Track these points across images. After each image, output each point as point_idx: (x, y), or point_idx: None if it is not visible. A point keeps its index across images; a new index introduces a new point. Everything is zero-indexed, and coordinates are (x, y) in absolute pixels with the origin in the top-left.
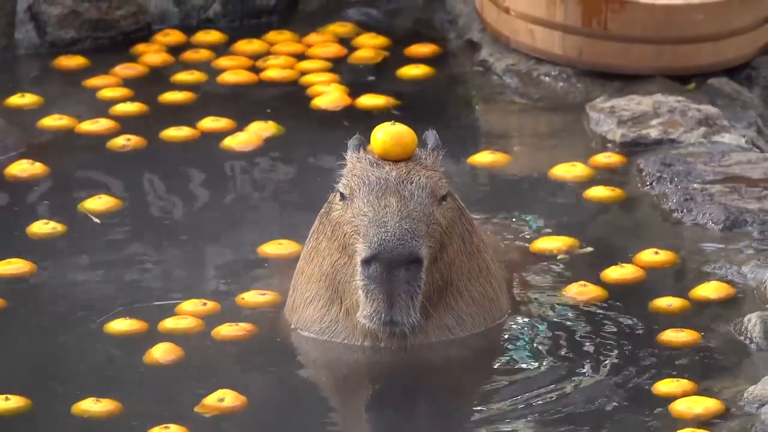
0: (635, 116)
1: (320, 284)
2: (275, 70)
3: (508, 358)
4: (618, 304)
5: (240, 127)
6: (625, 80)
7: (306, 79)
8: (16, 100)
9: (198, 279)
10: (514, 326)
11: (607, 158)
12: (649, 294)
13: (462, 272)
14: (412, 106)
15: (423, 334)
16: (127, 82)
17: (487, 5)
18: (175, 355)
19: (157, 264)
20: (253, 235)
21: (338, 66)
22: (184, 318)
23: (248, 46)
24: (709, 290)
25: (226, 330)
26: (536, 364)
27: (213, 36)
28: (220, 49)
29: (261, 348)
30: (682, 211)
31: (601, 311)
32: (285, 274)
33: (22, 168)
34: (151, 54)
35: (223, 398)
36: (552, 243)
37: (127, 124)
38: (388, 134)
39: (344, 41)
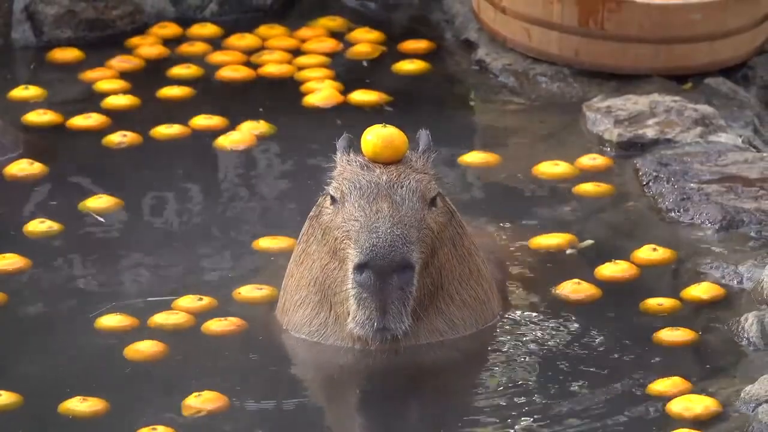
0: (632, 116)
1: (310, 288)
2: (273, 66)
3: (499, 359)
4: (612, 302)
5: (232, 125)
6: (622, 80)
7: (300, 75)
8: (20, 92)
9: (194, 275)
10: (506, 327)
11: (592, 160)
12: (645, 293)
13: (453, 276)
14: (407, 105)
15: (414, 338)
16: (122, 76)
17: (484, 5)
18: (159, 352)
19: (153, 261)
20: (250, 232)
21: (333, 61)
22: (175, 313)
23: (241, 41)
24: (700, 291)
25: (216, 325)
26: (528, 365)
27: (209, 29)
28: (216, 43)
29: (250, 347)
30: (678, 211)
31: (595, 310)
32: (283, 270)
33: (21, 167)
34: (147, 47)
35: (204, 397)
36: (551, 240)
37: (122, 119)
38: (378, 137)
39: (338, 36)
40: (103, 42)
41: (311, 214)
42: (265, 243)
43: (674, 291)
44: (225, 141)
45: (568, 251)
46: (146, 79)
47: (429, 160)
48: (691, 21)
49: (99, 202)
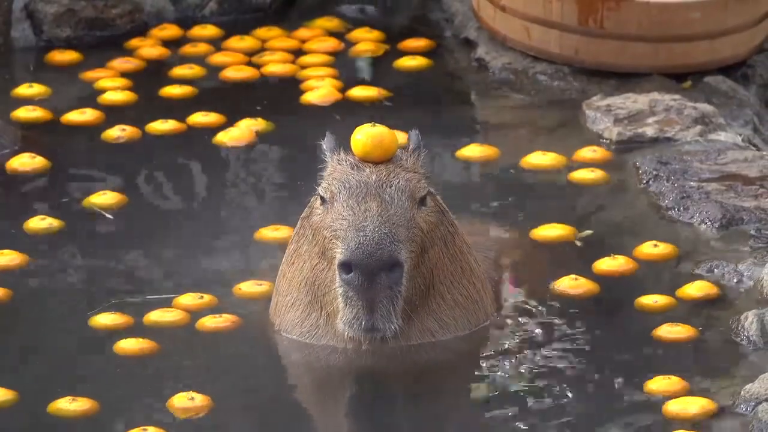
0: (631, 114)
1: (300, 289)
2: (275, 65)
3: (493, 357)
4: (610, 298)
5: (231, 123)
6: (622, 78)
7: (303, 74)
8: (24, 90)
9: (195, 272)
10: (501, 324)
11: (592, 152)
12: (643, 290)
13: (445, 275)
14: (407, 103)
15: (405, 338)
16: (124, 76)
17: (483, 3)
18: (150, 350)
19: (154, 258)
20: (251, 228)
21: (336, 60)
22: (170, 311)
23: (241, 42)
24: (694, 289)
25: (210, 322)
26: (524, 363)
27: (210, 30)
28: (217, 44)
29: (244, 345)
30: (678, 209)
31: (592, 306)
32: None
33: (22, 162)
34: (148, 48)
35: (195, 399)
36: (553, 231)
37: (121, 116)
38: (368, 136)
39: (337, 37)
40: (103, 41)
41: (303, 214)
42: (268, 233)
43: (672, 289)
44: (224, 137)
45: (578, 240)
46: (148, 78)
47: (419, 159)
48: (690, 19)
49: (104, 198)
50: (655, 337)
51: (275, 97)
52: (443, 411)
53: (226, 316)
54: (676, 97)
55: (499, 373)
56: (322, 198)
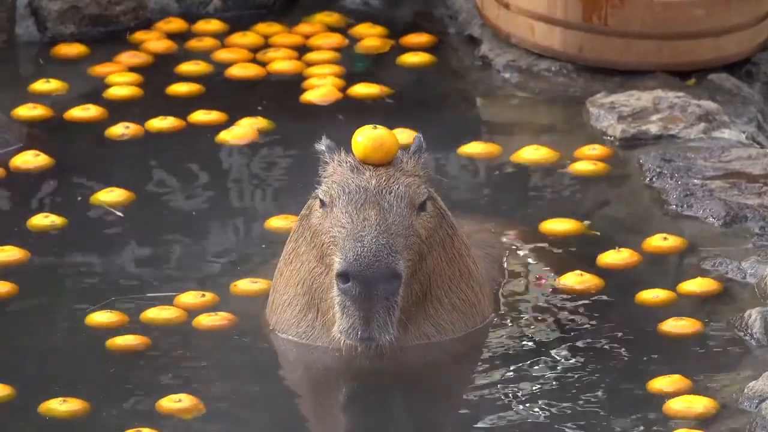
0: (635, 112)
1: (297, 289)
2: (280, 63)
3: (493, 356)
4: (614, 295)
5: (232, 121)
6: (626, 76)
7: (309, 71)
8: (41, 86)
9: (197, 271)
10: (502, 321)
11: (592, 150)
12: (647, 285)
13: (443, 280)
14: (409, 100)
15: (401, 343)
16: (131, 71)
17: (488, 1)
18: (143, 347)
19: (157, 256)
20: (255, 226)
21: (341, 57)
22: (166, 308)
23: (244, 38)
24: (695, 285)
25: (207, 320)
26: (526, 360)
27: (214, 25)
28: (222, 39)
29: (240, 343)
30: (682, 207)
31: (596, 302)
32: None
33: (25, 160)
34: (154, 41)
35: (181, 400)
36: (561, 225)
37: (125, 112)
38: (368, 138)
39: (339, 32)
40: (107, 38)
41: (302, 213)
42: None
43: (675, 285)
44: (227, 136)
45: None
46: (154, 74)
47: (420, 162)
48: (694, 17)
49: (111, 195)
50: (659, 333)
51: (277, 95)
52: (440, 411)
53: (222, 314)
54: (680, 94)
55: (499, 372)
56: (321, 201)
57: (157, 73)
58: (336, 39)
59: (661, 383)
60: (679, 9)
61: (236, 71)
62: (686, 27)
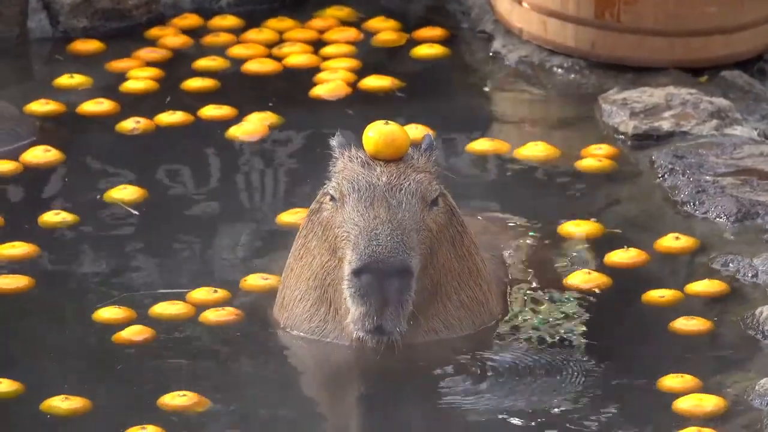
0: (647, 108)
1: (309, 283)
2: (297, 57)
3: (502, 354)
4: (623, 292)
5: (242, 116)
6: (638, 72)
7: (326, 65)
8: (65, 80)
9: (208, 267)
10: (509, 319)
11: (598, 150)
12: (656, 284)
13: (452, 276)
14: (421, 94)
15: (409, 338)
16: (149, 66)
17: None
18: (150, 341)
19: (169, 252)
20: (265, 222)
21: (355, 50)
22: (174, 304)
23: (259, 34)
24: (703, 286)
25: (214, 315)
26: (533, 359)
27: (229, 21)
28: (238, 35)
29: (248, 339)
30: (694, 204)
31: (604, 301)
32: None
33: (35, 155)
34: (171, 37)
35: (185, 395)
36: (578, 227)
37: (141, 107)
38: (380, 134)
39: (350, 26)
40: (120, 32)
41: (312, 207)
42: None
43: (686, 283)
44: (237, 131)
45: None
46: (171, 70)
47: (431, 159)
48: (707, 13)
49: (124, 192)
50: (669, 331)
51: (290, 90)
52: (448, 408)
53: (229, 309)
54: (693, 91)
55: (506, 370)
56: (331, 196)
57: (174, 68)
58: (351, 33)
59: (671, 382)
60: (692, 6)
61: (252, 66)
62: (699, 24)
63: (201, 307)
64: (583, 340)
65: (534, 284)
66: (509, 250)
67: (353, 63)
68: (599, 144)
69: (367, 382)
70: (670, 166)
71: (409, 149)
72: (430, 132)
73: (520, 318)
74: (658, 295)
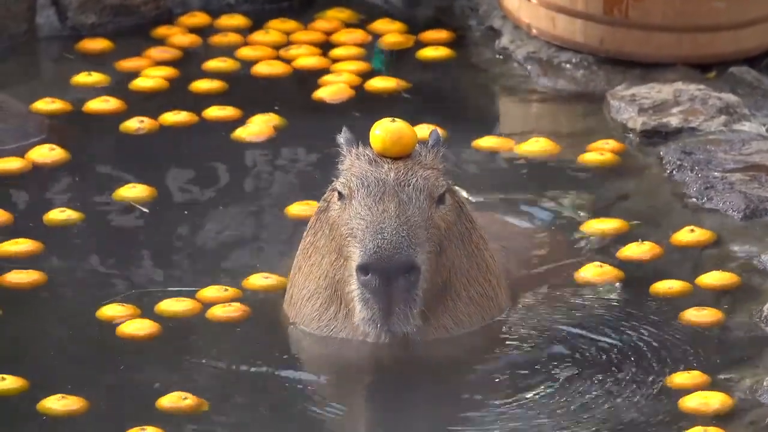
0: (656, 104)
1: (319, 282)
2: (305, 59)
3: (510, 349)
4: (634, 287)
5: (246, 116)
6: (646, 68)
7: (335, 66)
8: (84, 78)
9: (215, 266)
10: (518, 314)
11: (605, 144)
12: (667, 279)
13: (461, 273)
14: (429, 93)
15: (419, 335)
16: (159, 65)
17: None
18: (155, 336)
19: (176, 250)
20: (270, 222)
21: (363, 52)
22: (180, 300)
23: (266, 36)
24: (714, 278)
25: (221, 311)
26: (543, 353)
27: (237, 20)
28: (245, 35)
29: (254, 335)
30: (702, 200)
31: (614, 295)
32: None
33: (41, 153)
34: (179, 35)
35: (186, 398)
36: (605, 224)
37: (150, 108)
38: (387, 131)
39: (353, 27)
40: (128, 29)
41: (319, 206)
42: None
43: (695, 278)
44: (243, 133)
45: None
46: (180, 70)
47: (438, 155)
48: (715, 9)
49: (134, 191)
50: (680, 323)
51: (295, 92)
52: (458, 403)
53: (236, 305)
54: (701, 87)
55: (516, 364)
56: (339, 194)
57: (182, 68)
58: (359, 35)
59: (680, 378)
60: (700, 2)
61: (262, 68)
62: (707, 20)
63: (211, 305)
64: (594, 334)
65: (544, 277)
66: (518, 243)
67: (361, 65)
68: (606, 139)
69: (377, 379)
70: (678, 162)
71: (416, 146)
72: (437, 128)
73: (529, 311)
74: (667, 286)
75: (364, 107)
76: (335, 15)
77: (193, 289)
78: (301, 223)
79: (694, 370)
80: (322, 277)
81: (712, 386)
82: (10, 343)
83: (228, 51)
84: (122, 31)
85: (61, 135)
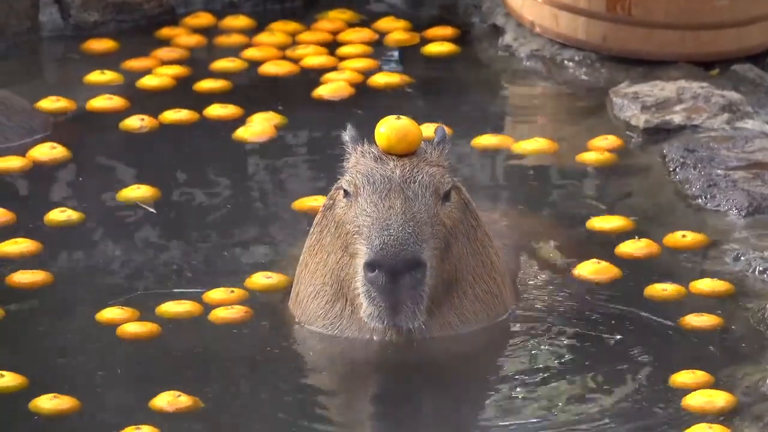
0: (659, 102)
1: (325, 279)
2: (312, 58)
3: (515, 348)
4: (632, 284)
5: (248, 115)
6: (649, 66)
7: (343, 64)
8: (96, 77)
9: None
10: (522, 312)
11: (603, 140)
12: (666, 276)
13: (467, 270)
14: (432, 90)
15: (425, 331)
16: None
17: None
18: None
19: (179, 251)
20: (273, 222)
21: (370, 50)
22: (181, 303)
23: (272, 36)
24: (715, 279)
25: (223, 313)
26: (546, 351)
27: (241, 21)
28: (250, 35)
29: (257, 336)
30: (705, 197)
31: (614, 292)
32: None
33: (43, 152)
34: (185, 36)
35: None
36: (609, 222)
37: (155, 107)
38: (392, 129)
39: (356, 26)
40: (131, 27)
41: (325, 203)
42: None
43: (695, 276)
44: (245, 133)
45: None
46: (187, 70)
47: (444, 152)
48: (718, 7)
49: (138, 192)
50: (680, 325)
51: (299, 91)
52: (463, 401)
53: (238, 307)
54: (704, 84)
55: (519, 363)
56: (345, 191)
57: (189, 68)
58: (366, 34)
59: (682, 377)
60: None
61: (269, 68)
62: (710, 17)
63: (218, 307)
64: (593, 332)
65: (545, 274)
66: (522, 240)
67: (368, 63)
68: (605, 135)
69: (383, 376)
70: (681, 160)
71: (421, 143)
72: (443, 126)
73: (532, 309)
74: (660, 288)
75: (366, 103)
76: (337, 16)
77: (198, 290)
78: (307, 220)
79: (696, 368)
80: (328, 275)
81: (716, 384)
82: (10, 342)
83: (233, 51)
84: (124, 29)
85: (65, 132)
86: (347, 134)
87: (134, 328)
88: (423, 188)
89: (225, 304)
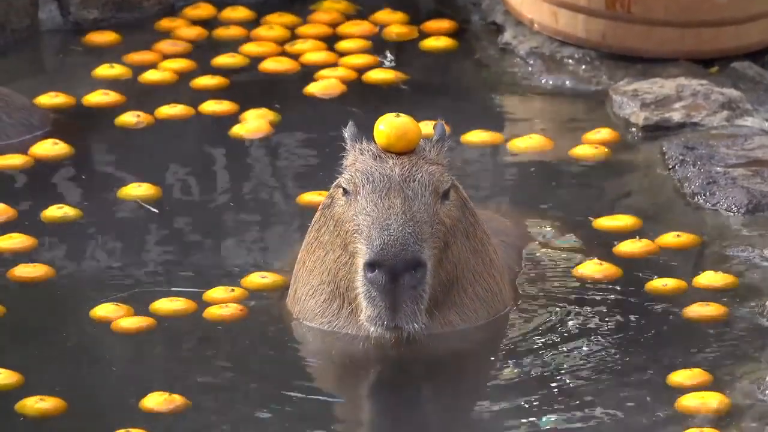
0: (658, 99)
1: (322, 278)
2: (311, 54)
3: (514, 346)
4: (632, 283)
5: (241, 111)
6: (648, 63)
7: (343, 60)
8: (105, 71)
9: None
10: (522, 309)
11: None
12: (666, 275)
13: (467, 269)
14: (431, 87)
15: (426, 330)
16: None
17: None
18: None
19: (178, 250)
20: (272, 221)
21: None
22: (175, 300)
23: (270, 31)
24: (715, 274)
25: (218, 311)
26: (545, 349)
27: (240, 12)
28: (249, 27)
29: (253, 334)
30: (704, 195)
31: (615, 291)
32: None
33: (45, 148)
34: (185, 28)
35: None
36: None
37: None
38: (391, 126)
39: (352, 18)
40: (130, 25)
41: (324, 201)
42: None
43: (695, 274)
44: (240, 130)
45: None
46: (187, 65)
47: (443, 150)
48: (717, 5)
49: (139, 190)
50: (680, 321)
51: (290, 87)
52: (463, 399)
53: (232, 305)
54: (703, 82)
55: (519, 360)
56: (344, 190)
57: (189, 63)
58: (365, 27)
59: (681, 376)
60: None
61: (269, 65)
62: (709, 15)
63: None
64: (593, 330)
65: (545, 272)
66: (521, 238)
67: (367, 59)
68: (599, 128)
69: (382, 373)
70: (680, 157)
71: (420, 141)
72: (443, 122)
73: (531, 307)
74: (661, 283)
75: (361, 100)
76: (332, 6)
77: (197, 290)
78: (306, 217)
79: (695, 367)
80: (326, 273)
81: (714, 383)
82: (6, 338)
83: (233, 45)
84: (124, 26)
85: (66, 129)
86: (347, 131)
87: (128, 323)
88: (422, 187)
89: (225, 303)
